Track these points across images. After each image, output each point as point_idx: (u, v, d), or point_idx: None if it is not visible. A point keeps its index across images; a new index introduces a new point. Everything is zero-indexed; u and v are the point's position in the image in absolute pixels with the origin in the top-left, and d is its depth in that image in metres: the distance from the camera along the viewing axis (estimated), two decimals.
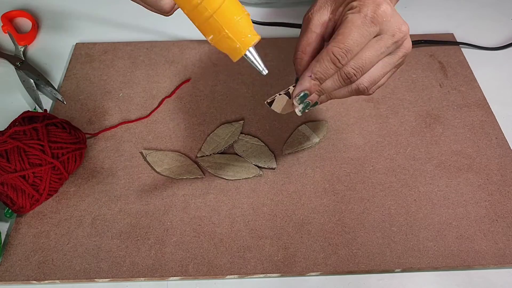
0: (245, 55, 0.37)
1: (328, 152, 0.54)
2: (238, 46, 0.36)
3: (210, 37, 0.36)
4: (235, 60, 0.37)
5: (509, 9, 0.73)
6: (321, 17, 0.41)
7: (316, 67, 0.39)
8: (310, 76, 0.39)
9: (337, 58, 0.38)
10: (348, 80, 0.40)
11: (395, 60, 0.41)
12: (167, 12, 0.41)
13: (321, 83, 0.40)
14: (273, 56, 0.65)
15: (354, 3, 0.39)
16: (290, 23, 0.67)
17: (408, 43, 0.41)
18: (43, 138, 0.48)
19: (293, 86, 0.41)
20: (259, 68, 0.38)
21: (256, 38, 0.36)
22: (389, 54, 0.41)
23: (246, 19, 0.36)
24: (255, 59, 0.38)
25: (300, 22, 0.70)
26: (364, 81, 0.41)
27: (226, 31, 0.35)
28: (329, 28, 0.41)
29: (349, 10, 0.39)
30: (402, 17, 0.40)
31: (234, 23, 0.35)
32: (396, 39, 0.40)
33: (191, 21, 0.36)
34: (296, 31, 0.69)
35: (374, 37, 0.39)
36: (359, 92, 0.42)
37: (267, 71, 0.39)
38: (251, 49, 0.37)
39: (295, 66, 0.42)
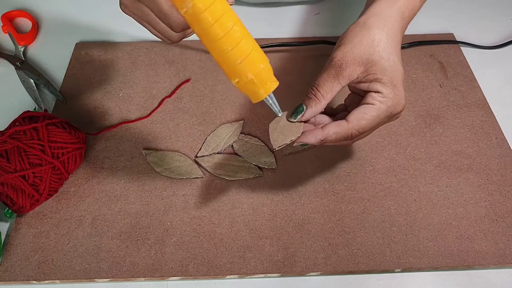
0: (266, 99, 0.40)
1: (328, 152, 0.54)
2: (261, 91, 0.39)
3: (236, 80, 0.39)
4: (254, 102, 0.40)
5: (509, 9, 0.73)
6: (352, 74, 0.42)
7: (332, 138, 0.42)
8: (322, 140, 0.42)
9: (352, 138, 0.42)
10: (345, 145, 0.45)
11: (385, 122, 0.44)
12: (175, 42, 0.42)
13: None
14: (273, 57, 0.65)
15: (385, 91, 0.42)
16: (295, 43, 0.67)
17: (401, 114, 0.44)
18: (43, 138, 0.48)
19: (296, 115, 0.43)
20: (275, 110, 0.42)
21: (276, 85, 0.40)
22: None
23: (268, 68, 0.39)
24: (273, 102, 0.41)
25: (300, 22, 0.71)
26: (354, 141, 0.45)
27: (253, 77, 0.38)
28: (353, 82, 0.43)
29: (377, 93, 0.42)
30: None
31: (260, 70, 0.38)
32: (397, 117, 0.44)
33: (217, 63, 0.39)
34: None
35: None
36: (345, 146, 0.46)
37: (281, 113, 0.42)
38: (271, 94, 0.40)
39: (308, 101, 0.43)
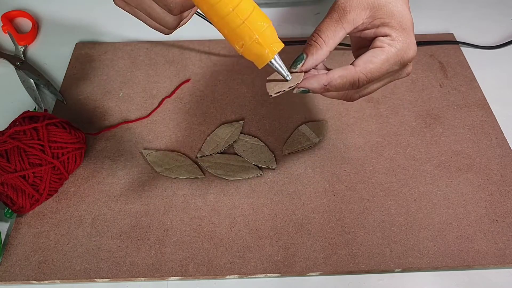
0: (271, 61, 0.37)
1: (328, 152, 0.54)
2: (266, 52, 0.37)
3: (240, 43, 0.36)
4: (260, 67, 0.38)
5: (509, 9, 0.73)
6: (357, 18, 0.39)
7: (336, 82, 0.39)
8: (325, 85, 0.39)
9: (358, 84, 0.39)
10: (351, 98, 0.41)
11: (395, 79, 0.42)
12: (172, 29, 0.40)
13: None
14: None
15: (393, 34, 0.39)
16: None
17: (411, 66, 0.41)
18: (43, 138, 0.48)
19: (296, 64, 0.40)
20: (283, 74, 0.39)
21: (281, 46, 0.37)
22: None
23: (271, 28, 0.37)
24: (280, 65, 0.38)
25: (300, 22, 0.71)
26: (362, 94, 0.42)
27: (257, 36, 0.36)
28: (358, 29, 0.40)
29: (386, 36, 0.39)
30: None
31: (264, 29, 0.36)
32: (407, 70, 0.41)
33: (218, 30, 0.36)
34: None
35: None
36: (352, 99, 0.42)
37: (291, 77, 0.39)
38: (276, 56, 0.37)
39: (309, 49, 0.40)
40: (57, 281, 0.45)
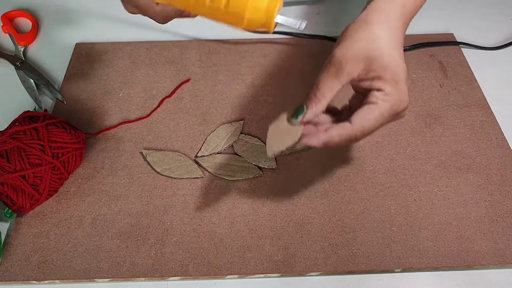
0: (276, 19, 0.39)
1: (328, 152, 0.54)
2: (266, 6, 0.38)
3: (237, 18, 0.37)
4: (271, 30, 0.39)
5: (509, 9, 0.73)
6: (353, 72, 0.41)
7: (335, 140, 0.41)
8: (325, 142, 0.41)
9: (356, 140, 0.41)
10: (349, 145, 0.43)
11: (390, 121, 0.43)
12: (161, 23, 0.43)
13: None
14: (273, 56, 0.65)
15: (387, 88, 0.40)
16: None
17: (406, 111, 0.43)
18: (43, 138, 0.48)
19: (297, 116, 0.42)
20: (295, 25, 0.40)
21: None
22: None
23: None
24: (286, 19, 0.39)
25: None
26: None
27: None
28: (354, 80, 0.42)
29: (379, 90, 0.40)
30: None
31: None
32: (401, 117, 0.43)
33: (215, 20, 0.38)
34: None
35: None
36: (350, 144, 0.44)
37: (303, 25, 0.40)
38: (279, 15, 0.39)
39: (309, 102, 0.42)
40: (57, 281, 0.45)
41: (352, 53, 0.41)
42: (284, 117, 0.42)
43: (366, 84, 0.41)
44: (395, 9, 0.42)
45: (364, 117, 0.40)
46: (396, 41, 0.42)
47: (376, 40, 0.41)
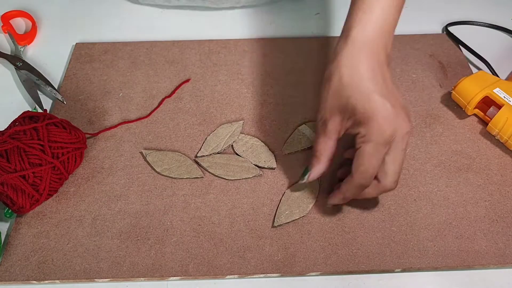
0: None
1: None
2: None
3: None
4: None
5: (509, 9, 0.73)
6: (335, 127, 0.44)
7: (348, 194, 0.45)
8: (343, 199, 0.46)
9: (365, 185, 0.44)
10: (385, 188, 0.45)
11: (402, 148, 0.43)
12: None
13: None
14: (273, 56, 0.65)
15: (361, 130, 0.42)
16: None
17: (407, 125, 0.42)
18: (43, 138, 0.48)
19: (304, 176, 0.47)
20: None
21: None
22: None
23: None
24: None
25: (300, 22, 0.71)
26: (391, 180, 0.44)
27: None
28: (341, 132, 0.44)
29: (357, 135, 0.42)
30: (404, 110, 0.43)
31: None
32: (404, 142, 0.42)
33: None
34: (295, 31, 0.69)
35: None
36: (386, 189, 0.45)
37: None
38: None
39: (311, 163, 0.46)
40: (57, 281, 0.45)
41: (329, 111, 0.44)
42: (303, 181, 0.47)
43: (351, 132, 0.43)
44: (350, 51, 0.43)
45: (357, 164, 0.43)
46: (361, 78, 0.42)
47: (340, 89, 0.42)
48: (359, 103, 0.41)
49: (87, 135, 0.55)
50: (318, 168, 0.46)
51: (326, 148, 0.45)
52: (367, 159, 0.42)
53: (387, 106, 0.41)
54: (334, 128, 0.44)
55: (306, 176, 0.46)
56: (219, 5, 0.72)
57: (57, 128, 0.49)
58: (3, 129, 0.50)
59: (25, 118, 0.50)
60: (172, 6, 0.73)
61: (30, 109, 0.58)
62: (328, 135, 0.44)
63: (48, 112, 0.57)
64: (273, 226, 0.47)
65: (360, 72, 0.42)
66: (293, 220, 0.48)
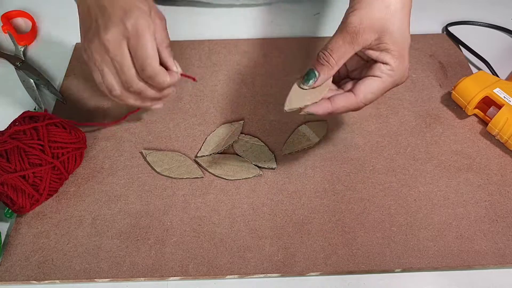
0: None
1: (328, 152, 0.54)
2: None
3: None
4: None
5: (509, 9, 0.73)
6: (367, 41, 0.41)
7: (340, 111, 0.42)
8: (331, 112, 0.43)
9: (359, 109, 0.43)
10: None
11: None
12: (123, 97, 0.46)
13: None
14: (273, 56, 0.65)
15: (393, 64, 0.42)
16: None
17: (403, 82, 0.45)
18: (43, 138, 0.48)
19: (302, 78, 0.43)
20: None
21: None
22: None
23: None
24: None
25: (300, 22, 0.71)
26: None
27: None
28: (364, 48, 0.42)
29: (386, 64, 0.42)
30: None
31: None
32: (401, 84, 0.44)
33: None
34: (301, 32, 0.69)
35: None
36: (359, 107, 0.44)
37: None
38: None
39: (321, 68, 0.42)
40: (57, 281, 0.45)
41: (369, 22, 0.41)
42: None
43: (374, 54, 0.42)
44: None
45: (368, 90, 0.42)
46: (407, 12, 0.42)
47: (392, 11, 0.41)
48: (401, 39, 0.41)
49: (95, 126, 0.55)
50: (327, 76, 0.42)
51: (345, 57, 0.42)
52: (382, 90, 0.42)
53: (408, 53, 0.43)
54: (364, 42, 0.41)
55: (312, 81, 0.42)
56: (218, 2, 0.72)
57: (57, 128, 0.49)
58: (3, 129, 0.50)
59: (25, 118, 0.50)
60: (170, 3, 0.73)
61: (30, 109, 0.58)
62: (354, 46, 0.41)
63: (48, 112, 0.57)
64: (285, 110, 0.42)
65: (408, 13, 0.42)
66: (305, 106, 0.42)
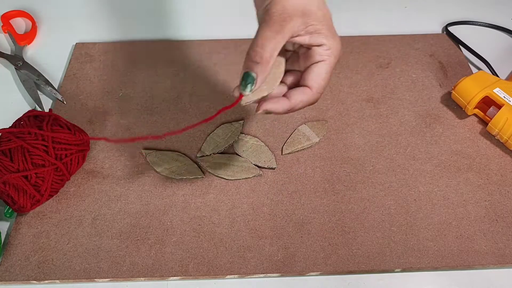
0: None
1: (328, 152, 0.54)
2: None
3: None
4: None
5: (509, 9, 0.73)
6: (295, 26, 0.39)
7: (298, 106, 0.41)
8: (289, 109, 0.41)
9: (316, 100, 0.42)
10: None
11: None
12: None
13: None
14: None
15: (328, 42, 0.40)
16: None
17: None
18: (48, 139, 0.47)
19: (246, 87, 0.39)
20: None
21: None
22: None
23: None
24: None
25: None
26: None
27: None
28: (293, 36, 0.40)
29: (321, 46, 0.40)
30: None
31: None
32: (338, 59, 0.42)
33: None
34: None
35: None
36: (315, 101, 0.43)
37: None
38: None
39: (256, 67, 0.38)
40: (57, 281, 0.45)
41: (293, 8, 0.38)
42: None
43: (304, 40, 0.40)
44: None
45: (319, 78, 0.40)
46: None
47: None
48: (325, 16, 0.40)
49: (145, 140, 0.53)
50: (265, 74, 0.39)
51: (277, 49, 0.38)
52: (330, 72, 0.41)
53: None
54: (293, 28, 0.38)
55: (253, 87, 0.39)
56: None
57: (62, 129, 0.49)
58: (8, 127, 0.49)
59: (30, 117, 0.49)
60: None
61: (30, 109, 0.58)
62: (283, 35, 0.38)
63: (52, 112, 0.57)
64: (242, 104, 0.41)
65: None
66: (262, 97, 0.40)
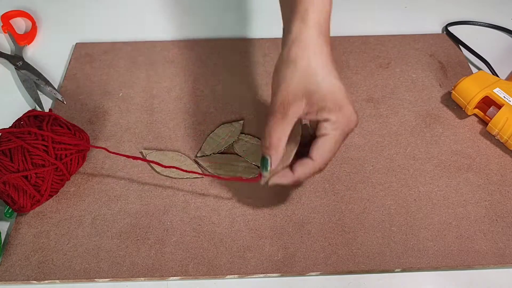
0: None
1: None
2: None
3: None
4: None
5: (509, 9, 0.73)
6: (297, 111, 0.42)
7: (303, 178, 0.44)
8: (295, 181, 0.44)
9: (320, 171, 0.44)
10: None
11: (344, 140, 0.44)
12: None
13: None
14: (273, 56, 0.65)
15: (333, 117, 0.41)
16: None
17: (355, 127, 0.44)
18: (48, 139, 0.47)
19: (265, 171, 0.44)
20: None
21: None
22: None
23: None
24: None
25: None
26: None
27: None
28: (301, 117, 0.43)
29: (326, 121, 0.42)
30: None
31: None
32: (355, 127, 0.44)
33: None
34: None
35: None
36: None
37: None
38: None
39: (269, 152, 0.43)
40: (57, 281, 0.45)
41: (292, 94, 0.42)
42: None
43: (312, 117, 0.42)
44: (312, 34, 0.42)
45: (323, 150, 0.42)
46: (327, 65, 0.42)
47: (309, 74, 0.41)
48: (329, 92, 0.41)
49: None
50: (278, 156, 0.43)
51: (284, 135, 0.42)
52: (336, 144, 0.42)
53: (349, 97, 0.42)
54: (296, 112, 0.42)
55: (269, 167, 0.43)
56: None
57: (62, 128, 0.49)
58: (8, 127, 0.49)
59: (30, 117, 0.49)
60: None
61: (31, 109, 0.58)
62: (288, 120, 0.42)
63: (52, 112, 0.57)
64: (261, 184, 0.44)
65: (327, 59, 0.42)
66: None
